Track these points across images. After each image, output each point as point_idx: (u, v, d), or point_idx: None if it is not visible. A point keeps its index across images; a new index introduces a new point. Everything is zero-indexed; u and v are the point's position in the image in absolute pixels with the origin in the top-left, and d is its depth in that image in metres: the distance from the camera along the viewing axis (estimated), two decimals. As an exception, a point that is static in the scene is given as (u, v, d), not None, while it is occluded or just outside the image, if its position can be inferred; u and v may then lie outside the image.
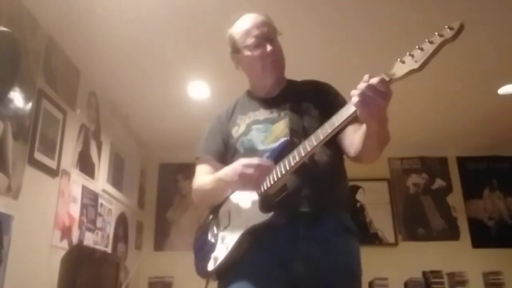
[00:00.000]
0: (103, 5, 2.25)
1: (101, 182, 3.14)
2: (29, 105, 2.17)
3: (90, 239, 2.88)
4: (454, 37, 0.88)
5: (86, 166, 2.88)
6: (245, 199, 1.20)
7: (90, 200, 2.92)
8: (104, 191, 3.19)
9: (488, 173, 4.52)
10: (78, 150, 2.77)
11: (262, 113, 1.34)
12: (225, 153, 1.35)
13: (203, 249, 1.28)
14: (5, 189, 1.94)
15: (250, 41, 1.32)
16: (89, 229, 2.88)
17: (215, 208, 1.31)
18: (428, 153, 4.55)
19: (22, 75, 2.10)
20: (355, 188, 4.48)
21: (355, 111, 0.99)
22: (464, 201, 4.42)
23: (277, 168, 1.13)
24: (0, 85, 1.90)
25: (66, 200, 2.54)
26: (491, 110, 3.60)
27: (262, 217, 1.12)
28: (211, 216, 1.33)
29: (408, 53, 0.92)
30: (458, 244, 4.26)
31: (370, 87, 0.94)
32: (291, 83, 1.43)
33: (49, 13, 2.26)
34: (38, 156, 2.23)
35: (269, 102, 1.36)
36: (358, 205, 4.43)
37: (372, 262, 4.00)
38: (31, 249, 2.15)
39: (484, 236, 4.29)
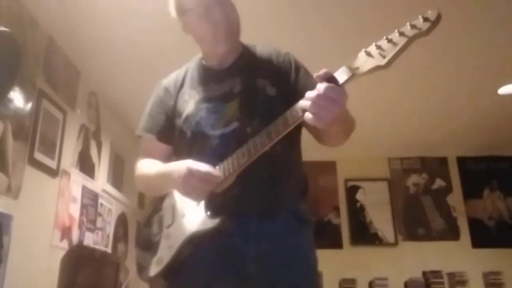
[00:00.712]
0: (103, 5, 2.25)
1: (101, 182, 3.14)
2: (29, 105, 2.17)
3: (90, 239, 2.88)
4: (429, 30, 0.78)
5: (86, 166, 2.88)
6: None
7: (90, 200, 2.92)
8: (104, 191, 3.19)
9: (488, 173, 4.52)
10: (78, 150, 2.77)
11: (213, 88, 1.17)
12: (169, 132, 1.20)
13: (145, 248, 1.16)
14: (5, 189, 1.94)
15: (198, 4, 1.15)
16: (89, 229, 2.88)
17: (159, 200, 1.19)
18: (428, 153, 4.55)
19: (22, 75, 2.10)
20: (355, 188, 4.48)
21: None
22: (464, 201, 4.43)
23: (225, 165, 1.02)
24: (0, 85, 1.90)
25: (66, 200, 2.54)
26: (491, 110, 3.60)
27: (207, 223, 1.01)
28: (154, 209, 1.20)
29: (374, 44, 0.82)
30: (458, 244, 4.26)
31: (320, 97, 0.85)
32: (246, 51, 1.25)
33: (49, 13, 2.26)
34: (38, 156, 2.23)
35: (221, 75, 1.19)
36: (358, 205, 4.43)
37: (372, 262, 4.07)
38: (31, 249, 2.15)
39: (484, 236, 4.29)
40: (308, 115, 0.88)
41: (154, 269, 1.10)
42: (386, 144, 4.14)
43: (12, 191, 2.00)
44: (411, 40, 0.79)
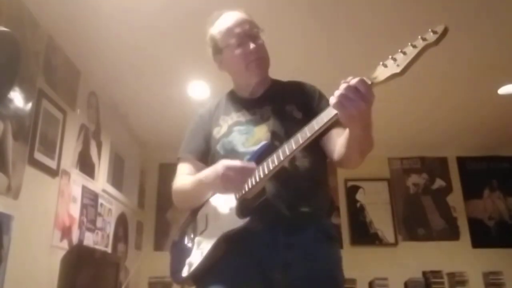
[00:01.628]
0: (103, 5, 2.25)
1: (101, 182, 3.14)
2: (29, 105, 2.17)
3: (90, 239, 2.88)
4: (437, 41, 0.86)
5: (86, 166, 2.88)
6: (223, 203, 1.17)
7: (90, 200, 2.92)
8: (104, 191, 3.19)
9: (488, 173, 4.52)
10: (78, 150, 2.77)
11: (245, 115, 1.30)
12: (207, 153, 1.32)
13: (179, 253, 1.25)
14: (5, 189, 1.94)
15: (232, 40, 1.28)
16: (89, 229, 2.88)
17: (194, 211, 1.28)
18: (428, 153, 4.55)
19: (22, 75, 2.10)
20: (355, 188, 4.48)
21: (336, 115, 0.96)
22: (464, 201, 4.43)
23: (256, 172, 1.09)
24: (0, 85, 1.90)
25: (66, 200, 2.54)
26: (491, 110, 3.60)
27: (238, 223, 1.08)
28: (189, 219, 1.29)
29: (390, 57, 0.91)
30: (458, 244, 4.26)
31: (350, 88, 0.92)
32: (275, 83, 1.39)
33: (49, 13, 2.26)
34: (38, 156, 2.23)
35: (252, 103, 1.32)
36: (358, 205, 4.43)
37: (372, 262, 4.07)
38: (31, 249, 2.15)
39: (484, 236, 4.30)
40: (334, 103, 0.94)
41: (185, 271, 1.18)
42: (386, 144, 4.14)
43: (12, 191, 1.99)
44: (422, 50, 0.87)
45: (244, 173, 1.08)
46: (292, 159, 1.11)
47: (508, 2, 2.30)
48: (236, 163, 1.09)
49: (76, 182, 2.71)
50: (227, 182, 1.08)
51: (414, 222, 4.35)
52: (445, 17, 2.34)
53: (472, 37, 2.57)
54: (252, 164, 1.09)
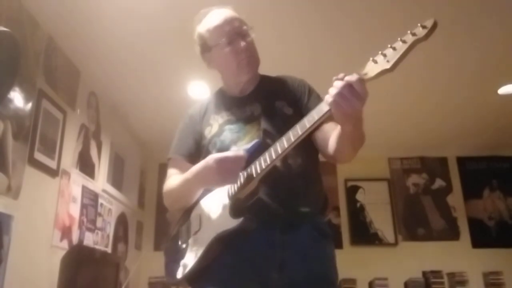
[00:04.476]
0: (103, 5, 2.25)
1: (101, 182, 3.14)
2: (29, 105, 2.17)
3: (90, 239, 2.88)
4: (427, 36, 0.85)
5: (86, 166, 2.88)
6: (216, 203, 1.16)
7: (90, 200, 2.92)
8: (104, 191, 3.19)
9: (488, 173, 4.52)
10: (78, 150, 2.77)
11: (235, 113, 1.28)
12: (197, 154, 1.30)
13: (173, 254, 1.23)
14: (5, 189, 1.94)
15: (222, 38, 1.26)
16: (89, 229, 2.88)
17: (187, 212, 1.27)
18: (428, 153, 4.55)
19: (22, 75, 2.10)
20: (355, 188, 4.48)
21: (327, 111, 0.96)
22: (464, 201, 4.43)
23: (248, 170, 1.09)
24: (0, 85, 1.90)
25: (66, 200, 2.54)
26: (491, 110, 3.60)
27: (231, 223, 1.07)
28: (182, 220, 1.28)
29: (380, 52, 0.90)
30: (458, 244, 4.26)
31: (347, 86, 0.91)
32: (264, 80, 1.37)
33: (49, 13, 2.26)
34: (38, 156, 2.23)
35: (242, 101, 1.30)
36: (358, 205, 4.43)
37: (372, 262, 4.08)
38: (31, 249, 2.15)
39: (484, 236, 4.30)
40: (330, 102, 0.93)
41: (180, 273, 1.17)
42: (386, 144, 4.14)
43: (12, 191, 1.99)
44: (412, 45, 0.87)
45: (238, 162, 1.07)
46: (284, 157, 1.10)
47: (508, 2, 2.30)
48: (228, 153, 1.10)
49: (76, 182, 2.71)
50: (225, 173, 1.07)
51: (414, 222, 4.36)
52: (446, 18, 2.34)
53: (472, 37, 2.57)
54: (240, 152, 1.09)
